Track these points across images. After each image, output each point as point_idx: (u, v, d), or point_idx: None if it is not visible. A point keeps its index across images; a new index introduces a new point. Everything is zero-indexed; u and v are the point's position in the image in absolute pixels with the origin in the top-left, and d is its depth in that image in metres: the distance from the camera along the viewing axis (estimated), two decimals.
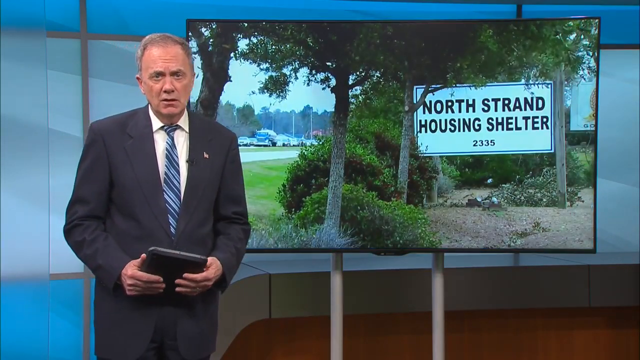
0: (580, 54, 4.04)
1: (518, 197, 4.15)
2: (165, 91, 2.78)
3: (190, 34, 4.02)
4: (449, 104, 4.12)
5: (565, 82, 4.07)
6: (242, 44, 4.08)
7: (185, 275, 2.70)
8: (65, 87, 4.97)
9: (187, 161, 2.83)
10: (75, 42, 5.01)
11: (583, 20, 4.03)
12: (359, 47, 4.08)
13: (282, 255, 4.96)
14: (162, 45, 2.80)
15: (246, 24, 4.09)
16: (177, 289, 2.72)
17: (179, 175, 2.81)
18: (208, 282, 2.76)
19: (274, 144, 4.28)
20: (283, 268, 4.84)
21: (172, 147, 2.83)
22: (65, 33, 4.97)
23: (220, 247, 2.88)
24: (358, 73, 4.11)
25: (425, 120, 4.14)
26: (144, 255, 2.67)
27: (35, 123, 4.27)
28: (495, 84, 4.10)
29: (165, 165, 2.81)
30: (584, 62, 4.04)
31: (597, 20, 3.99)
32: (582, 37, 4.03)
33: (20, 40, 4.22)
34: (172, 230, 2.78)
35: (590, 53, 4.03)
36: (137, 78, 2.87)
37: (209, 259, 2.76)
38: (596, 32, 4.00)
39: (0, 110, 4.17)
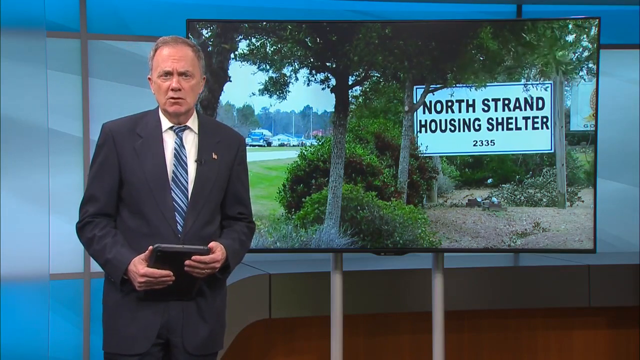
0: (579, 54, 4.04)
1: (518, 197, 4.15)
2: (172, 89, 2.85)
3: (190, 34, 4.02)
4: (449, 104, 4.12)
5: (565, 82, 4.06)
6: (242, 45, 4.08)
7: (194, 257, 2.76)
8: (65, 87, 4.97)
9: (195, 161, 2.89)
10: (75, 42, 5.00)
11: (583, 20, 4.03)
12: (357, 47, 4.08)
13: (282, 255, 4.96)
14: (173, 45, 2.88)
15: (246, 24, 4.10)
16: (186, 268, 2.77)
17: (187, 174, 2.88)
18: (216, 264, 2.81)
19: (269, 144, 4.28)
20: (283, 268, 4.84)
21: (180, 146, 2.90)
22: (65, 33, 4.97)
23: (223, 236, 2.95)
24: (358, 73, 4.11)
25: (425, 121, 4.14)
26: (151, 247, 2.74)
27: (35, 123, 4.27)
28: (495, 84, 4.10)
29: (174, 164, 2.87)
30: (584, 62, 4.04)
31: (597, 20, 3.99)
32: (582, 37, 4.03)
33: (20, 40, 4.22)
34: (179, 228, 2.84)
35: (590, 53, 4.03)
36: (149, 79, 2.94)
37: (212, 243, 2.82)
38: (596, 32, 4.00)
39: (0, 110, 4.17)
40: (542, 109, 4.06)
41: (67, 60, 4.99)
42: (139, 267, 2.77)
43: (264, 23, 4.10)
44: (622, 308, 5.06)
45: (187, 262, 2.76)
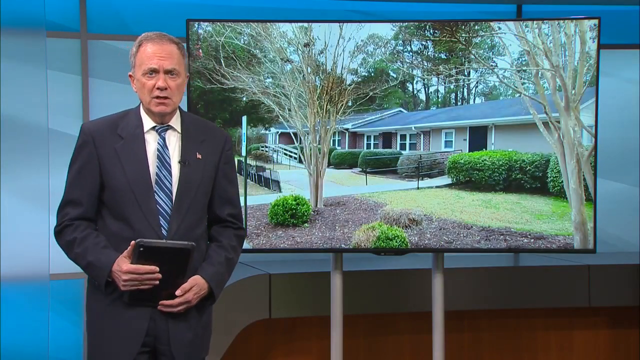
0: (580, 54, 4.04)
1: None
2: (158, 88, 2.75)
3: (189, 33, 4.03)
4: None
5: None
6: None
7: (161, 302, 2.70)
8: (65, 87, 4.97)
9: (179, 162, 2.79)
10: (75, 42, 5.01)
11: (583, 20, 4.02)
12: None
13: (282, 255, 4.96)
14: (158, 42, 2.78)
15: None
16: (160, 308, 2.72)
17: (171, 176, 2.78)
18: (188, 304, 2.75)
19: None
20: (283, 268, 4.84)
21: (163, 147, 2.80)
22: (65, 33, 4.97)
23: (210, 257, 2.85)
24: None
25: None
26: (133, 242, 2.64)
27: (35, 123, 4.27)
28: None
29: (157, 166, 2.77)
30: (584, 62, 4.03)
31: (597, 20, 3.99)
32: (581, 37, 4.03)
33: (20, 40, 4.23)
34: (164, 232, 2.74)
35: (590, 53, 4.03)
36: (130, 75, 2.84)
37: (191, 279, 2.74)
38: (596, 32, 4.00)
39: (0, 110, 4.17)
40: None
41: (67, 60, 4.99)
42: (123, 265, 2.65)
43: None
44: (622, 308, 5.06)
45: (159, 308, 2.71)
